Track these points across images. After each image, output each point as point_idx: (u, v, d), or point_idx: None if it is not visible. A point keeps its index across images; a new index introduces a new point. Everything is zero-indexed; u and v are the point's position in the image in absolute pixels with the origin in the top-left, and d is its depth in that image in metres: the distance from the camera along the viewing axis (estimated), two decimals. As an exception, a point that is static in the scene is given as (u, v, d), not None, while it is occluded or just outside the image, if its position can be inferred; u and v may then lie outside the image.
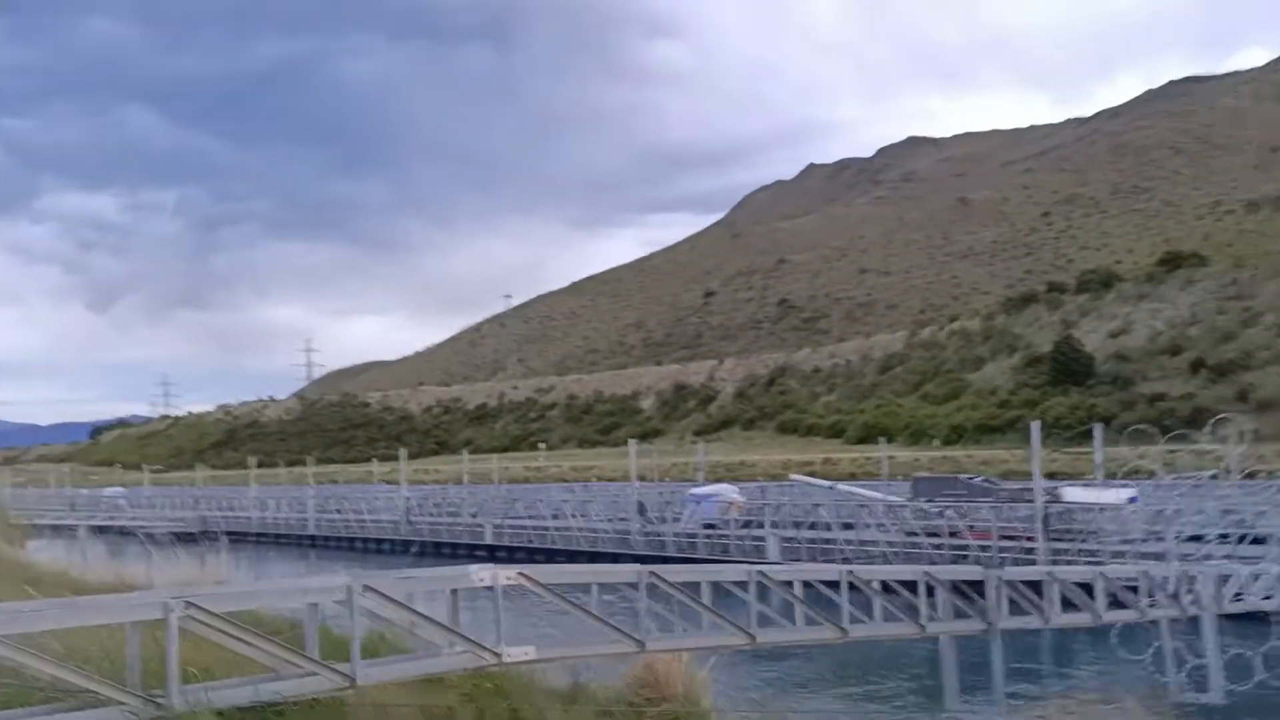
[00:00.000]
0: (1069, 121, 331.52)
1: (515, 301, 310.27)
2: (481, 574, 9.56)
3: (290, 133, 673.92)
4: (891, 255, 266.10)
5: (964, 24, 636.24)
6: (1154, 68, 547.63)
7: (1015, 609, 16.15)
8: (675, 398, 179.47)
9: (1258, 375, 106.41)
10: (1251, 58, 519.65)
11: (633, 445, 46.33)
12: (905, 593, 15.17)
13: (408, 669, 9.05)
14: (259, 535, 62.12)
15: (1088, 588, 17.70)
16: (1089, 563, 30.72)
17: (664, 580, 11.78)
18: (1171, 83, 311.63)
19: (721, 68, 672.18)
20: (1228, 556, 22.68)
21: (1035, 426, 34.29)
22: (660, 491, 47.88)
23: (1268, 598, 20.23)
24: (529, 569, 10.69)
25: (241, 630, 7.89)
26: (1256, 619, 18.94)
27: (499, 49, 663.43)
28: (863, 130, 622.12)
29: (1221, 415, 34.59)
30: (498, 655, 9.14)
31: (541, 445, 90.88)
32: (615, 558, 43.78)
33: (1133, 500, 34.47)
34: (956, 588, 15.26)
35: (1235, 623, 19.28)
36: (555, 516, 48.77)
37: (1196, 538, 27.54)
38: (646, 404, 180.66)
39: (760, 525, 41.48)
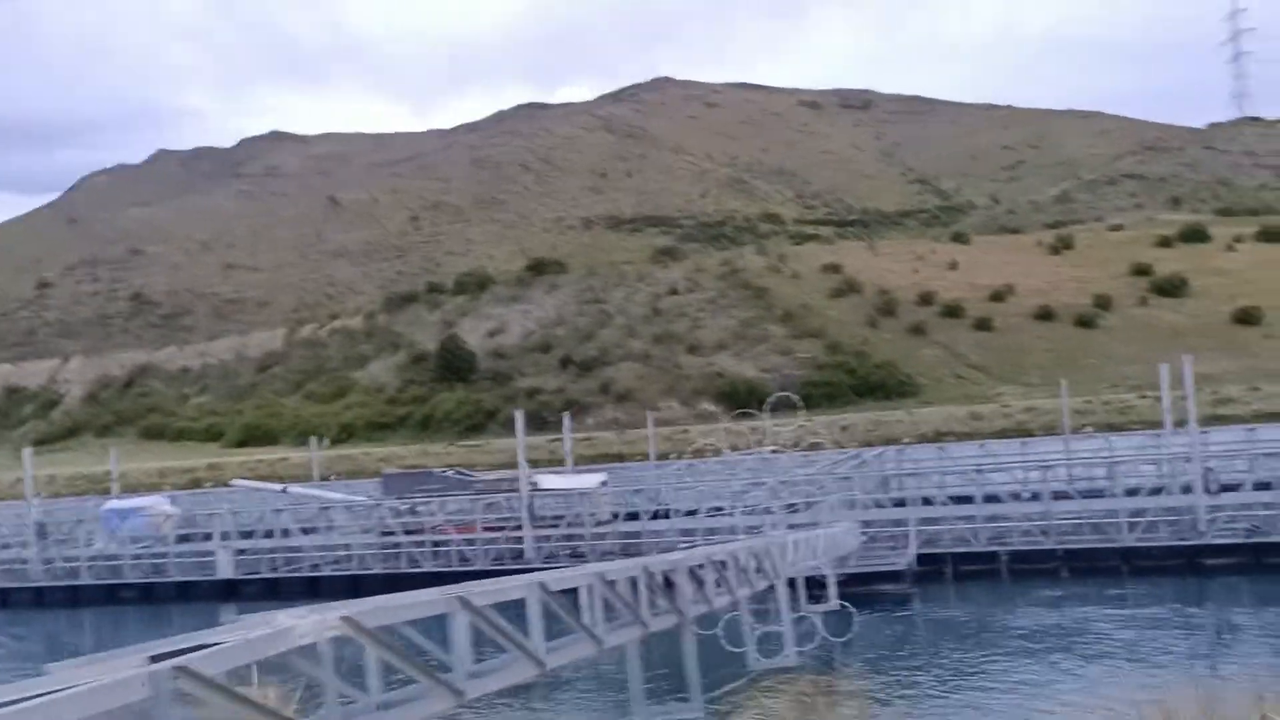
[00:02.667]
0: (431, 132, 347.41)
1: None
2: (301, 627, 5.48)
3: None
4: (260, 251, 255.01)
5: (323, 25, 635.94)
6: (499, 89, 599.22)
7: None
8: (7, 403, 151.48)
9: (615, 370, 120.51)
10: (578, 92, 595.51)
11: (27, 452, 36.70)
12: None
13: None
14: None
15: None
16: (571, 553, 31.04)
17: (477, 609, 8.24)
18: (519, 106, 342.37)
19: (50, 36, 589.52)
20: (792, 526, 23.97)
21: (519, 415, 33.83)
22: (47, 510, 38.58)
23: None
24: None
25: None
26: (816, 582, 20.01)
27: None
28: (219, 121, 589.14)
29: (781, 394, 37.01)
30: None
31: None
32: (5, 594, 34.43)
33: (604, 484, 35.69)
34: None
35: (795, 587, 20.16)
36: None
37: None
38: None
39: (207, 538, 35.52)
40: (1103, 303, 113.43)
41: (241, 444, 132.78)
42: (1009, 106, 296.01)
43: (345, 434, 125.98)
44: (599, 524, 33.05)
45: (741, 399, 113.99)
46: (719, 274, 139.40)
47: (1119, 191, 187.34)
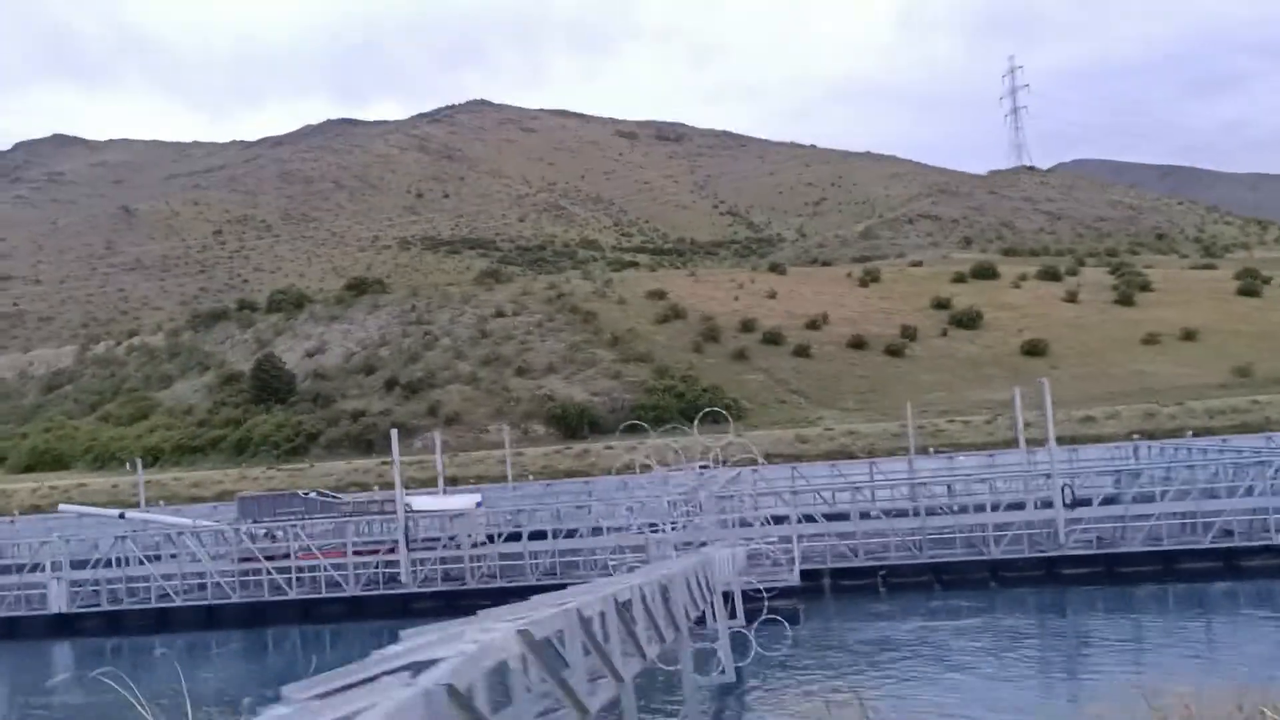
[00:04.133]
0: (235, 143, 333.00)
1: None
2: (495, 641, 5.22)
3: None
4: (43, 263, 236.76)
5: (105, 22, 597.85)
6: (299, 102, 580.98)
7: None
8: None
9: (442, 393, 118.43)
10: (388, 110, 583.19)
11: None
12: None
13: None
14: None
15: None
16: (447, 576, 30.61)
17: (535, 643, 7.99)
18: (330, 121, 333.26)
19: None
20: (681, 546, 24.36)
21: (394, 435, 33.03)
22: None
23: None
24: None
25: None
26: (750, 597, 20.57)
27: None
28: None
29: (711, 409, 36.89)
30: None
31: None
32: None
33: (479, 505, 35.26)
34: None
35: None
36: None
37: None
38: None
39: (34, 569, 32.76)
40: (909, 333, 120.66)
41: (28, 469, 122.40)
42: (812, 146, 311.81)
43: (151, 458, 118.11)
44: (475, 545, 32.65)
45: (572, 422, 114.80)
46: (545, 298, 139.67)
47: (916, 230, 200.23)
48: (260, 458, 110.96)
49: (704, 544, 25.34)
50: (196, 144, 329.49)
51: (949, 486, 33.68)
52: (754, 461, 33.78)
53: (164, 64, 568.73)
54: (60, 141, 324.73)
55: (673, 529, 28.69)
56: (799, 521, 27.85)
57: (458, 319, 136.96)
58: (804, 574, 26.66)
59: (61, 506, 38.48)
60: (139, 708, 8.43)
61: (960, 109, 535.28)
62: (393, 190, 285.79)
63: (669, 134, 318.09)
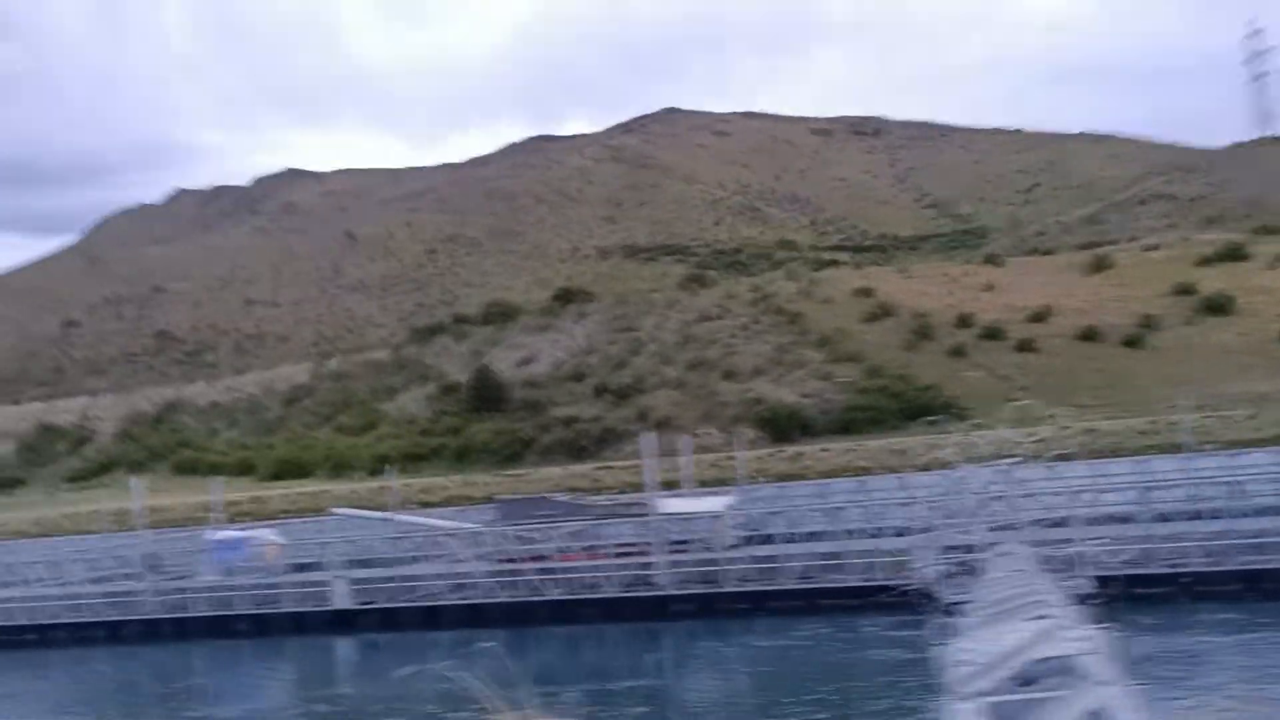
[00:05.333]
0: (443, 166, 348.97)
1: None
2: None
3: None
4: (280, 287, 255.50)
5: (325, 61, 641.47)
6: (497, 123, 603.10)
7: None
8: (40, 441, 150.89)
9: (650, 398, 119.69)
10: (581, 125, 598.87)
11: (136, 483, 36.18)
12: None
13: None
14: None
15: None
16: (704, 579, 30.12)
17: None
18: (529, 139, 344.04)
19: (60, 76, 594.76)
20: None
21: (645, 439, 33.07)
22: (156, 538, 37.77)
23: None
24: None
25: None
26: None
27: None
28: (236, 159, 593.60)
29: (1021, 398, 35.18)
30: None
31: None
32: (117, 627, 33.69)
33: (730, 506, 34.92)
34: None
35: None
36: (11, 585, 36.43)
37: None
38: (1, 449, 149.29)
39: (312, 568, 34.87)
40: (1149, 323, 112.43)
41: (276, 477, 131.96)
42: (1020, 130, 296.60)
43: (380, 465, 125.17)
44: (728, 548, 32.33)
45: (782, 424, 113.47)
46: (749, 300, 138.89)
47: (1149, 211, 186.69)
48: (480, 464, 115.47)
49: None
50: (410, 169, 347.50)
51: (1239, 486, 30.73)
52: (1061, 457, 31.48)
53: (376, 97, 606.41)
54: (292, 175, 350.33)
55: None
56: (1088, 524, 25.97)
57: (663, 324, 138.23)
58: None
59: (333, 509, 40.82)
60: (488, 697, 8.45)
61: (1186, 80, 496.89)
62: (590, 201, 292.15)
63: (865, 128, 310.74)
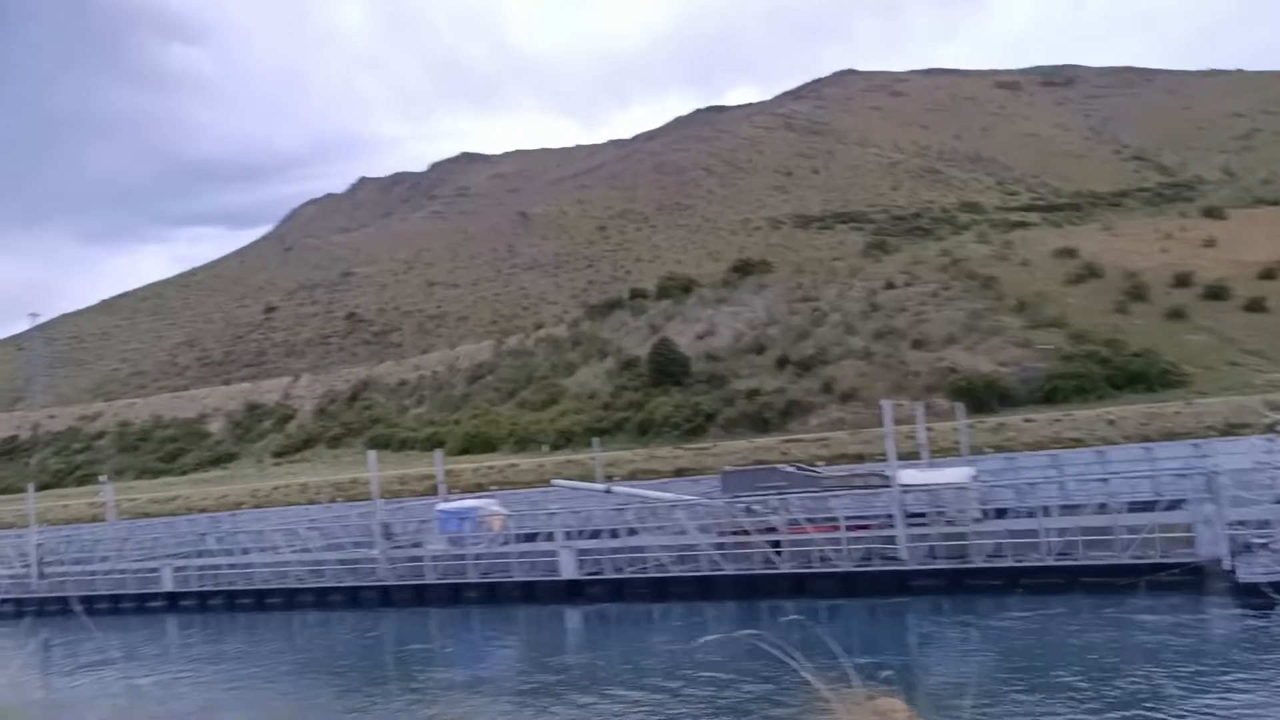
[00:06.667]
0: (611, 142, 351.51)
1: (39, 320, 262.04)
2: None
3: None
4: (458, 268, 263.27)
5: (491, 47, 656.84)
6: (660, 97, 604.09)
7: None
8: (248, 418, 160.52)
9: (835, 369, 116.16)
10: (747, 94, 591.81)
11: (372, 455, 36.72)
12: None
13: None
14: None
15: None
16: (951, 554, 27.73)
17: None
18: (698, 111, 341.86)
19: (248, 76, 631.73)
20: None
21: (886, 406, 30.83)
22: (389, 509, 38.40)
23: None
24: None
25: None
26: None
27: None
28: (407, 146, 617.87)
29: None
30: None
31: (102, 479, 73.85)
32: (355, 592, 34.16)
33: (974, 478, 32.30)
34: None
35: None
36: (262, 550, 37.77)
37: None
38: (215, 426, 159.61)
39: (533, 538, 34.37)
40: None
41: (464, 451, 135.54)
42: (1236, 70, 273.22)
43: (564, 440, 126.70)
44: (976, 520, 29.77)
45: (979, 394, 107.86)
46: (939, 265, 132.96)
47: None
48: (663, 438, 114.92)
49: None
50: (579, 147, 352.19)
51: None
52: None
53: (542, 77, 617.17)
54: (465, 159, 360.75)
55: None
56: None
57: (845, 293, 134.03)
58: None
59: (554, 481, 40.50)
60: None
61: None
62: (761, 171, 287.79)
63: (1056, 78, 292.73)
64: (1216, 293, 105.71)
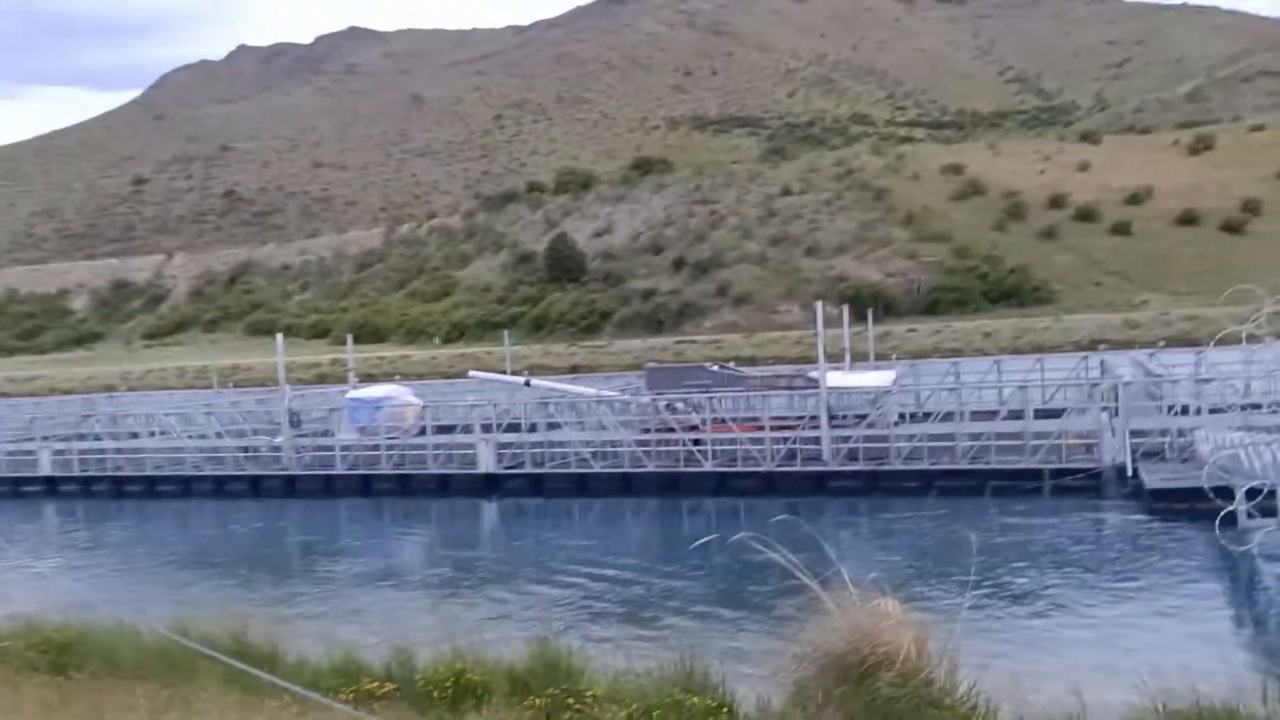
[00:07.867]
0: (510, 28, 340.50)
1: None
2: None
3: None
4: (346, 150, 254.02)
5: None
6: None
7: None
8: (115, 297, 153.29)
9: (731, 273, 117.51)
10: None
11: (279, 339, 35.66)
12: None
13: None
14: None
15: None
16: (870, 455, 28.86)
17: None
18: (600, 1, 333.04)
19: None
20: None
21: (818, 307, 31.39)
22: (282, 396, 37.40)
23: None
24: None
25: None
26: None
27: None
28: (289, 14, 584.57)
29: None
30: None
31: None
32: (258, 481, 33.56)
33: (896, 382, 33.46)
34: None
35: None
36: (153, 435, 36.38)
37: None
38: (79, 304, 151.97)
39: (449, 430, 34.28)
40: (1252, 207, 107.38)
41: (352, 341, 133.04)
42: (1115, 0, 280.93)
43: (457, 333, 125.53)
44: (895, 424, 30.95)
45: (865, 303, 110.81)
46: (834, 175, 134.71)
47: (1255, 89, 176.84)
48: (557, 335, 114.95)
49: None
50: (475, 30, 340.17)
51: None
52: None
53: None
54: (354, 34, 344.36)
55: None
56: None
57: (743, 198, 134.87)
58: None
59: (471, 372, 40.16)
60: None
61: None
62: (661, 70, 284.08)
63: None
64: (1086, 214, 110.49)
